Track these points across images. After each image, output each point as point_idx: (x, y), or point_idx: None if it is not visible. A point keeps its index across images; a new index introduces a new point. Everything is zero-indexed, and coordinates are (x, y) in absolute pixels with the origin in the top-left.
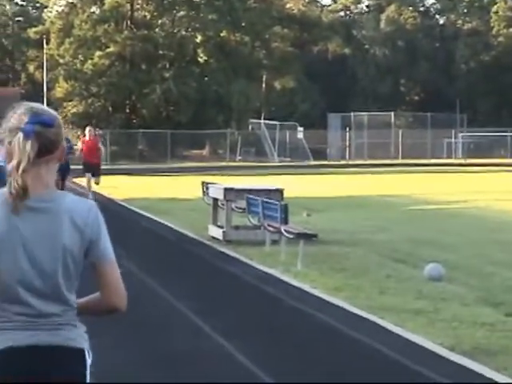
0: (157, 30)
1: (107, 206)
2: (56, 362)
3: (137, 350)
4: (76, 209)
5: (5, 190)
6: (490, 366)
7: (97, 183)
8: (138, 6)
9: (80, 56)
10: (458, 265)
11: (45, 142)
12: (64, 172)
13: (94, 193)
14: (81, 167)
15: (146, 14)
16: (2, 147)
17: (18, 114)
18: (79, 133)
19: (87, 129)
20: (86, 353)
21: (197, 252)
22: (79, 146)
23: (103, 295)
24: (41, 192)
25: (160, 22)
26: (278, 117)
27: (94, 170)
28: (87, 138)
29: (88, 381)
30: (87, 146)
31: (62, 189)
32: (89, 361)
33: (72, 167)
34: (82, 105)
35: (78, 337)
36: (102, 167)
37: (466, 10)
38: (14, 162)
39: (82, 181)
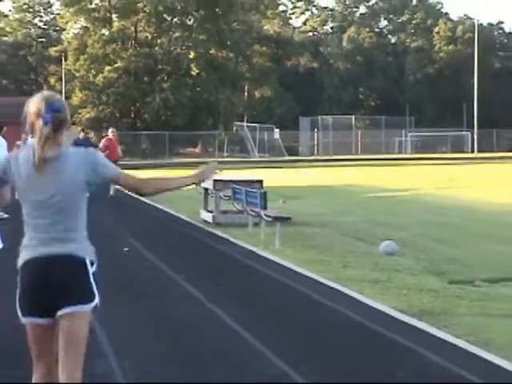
0: (156, 48)
1: (117, 194)
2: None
3: (140, 312)
4: (80, 155)
5: (33, 141)
6: (433, 325)
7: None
8: (141, 28)
9: (92, 70)
10: (407, 242)
11: (58, 122)
12: None
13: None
14: None
15: (148, 34)
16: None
17: (36, 102)
18: (92, 134)
19: (110, 130)
20: (88, 261)
21: (191, 232)
22: (102, 144)
23: (138, 187)
24: (55, 149)
25: (159, 41)
26: (258, 120)
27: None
28: (110, 136)
29: (93, 287)
30: (110, 144)
31: None
32: (91, 268)
33: None
34: (94, 111)
35: (83, 248)
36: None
37: (413, 31)
38: (37, 138)
39: None
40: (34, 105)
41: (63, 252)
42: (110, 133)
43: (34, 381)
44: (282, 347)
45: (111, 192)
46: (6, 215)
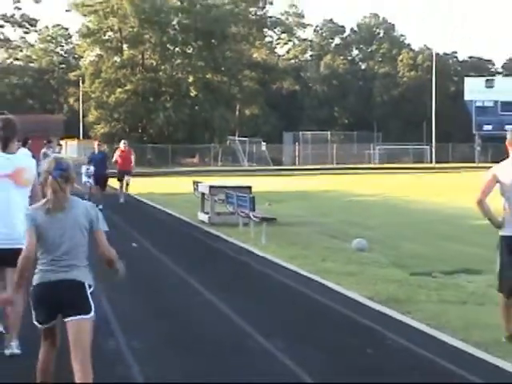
0: (160, 73)
1: (127, 200)
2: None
3: (145, 298)
4: (86, 205)
5: (37, 206)
6: (398, 310)
7: (127, 184)
8: (147, 56)
9: (106, 92)
10: (376, 240)
11: (63, 178)
12: (103, 178)
13: (124, 194)
14: (115, 172)
15: (153, 61)
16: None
17: (49, 162)
18: (105, 147)
19: (122, 142)
20: (86, 285)
21: (189, 231)
22: (115, 156)
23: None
24: (65, 200)
25: (163, 67)
26: (248, 134)
27: (127, 174)
28: (122, 148)
29: (90, 301)
30: (122, 156)
31: (103, 189)
32: (88, 289)
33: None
34: (107, 127)
35: (85, 274)
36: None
37: (380, 59)
38: (49, 191)
39: (115, 183)
40: (46, 164)
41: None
42: (122, 144)
43: (41, 353)
44: (268, 327)
45: (121, 200)
46: None
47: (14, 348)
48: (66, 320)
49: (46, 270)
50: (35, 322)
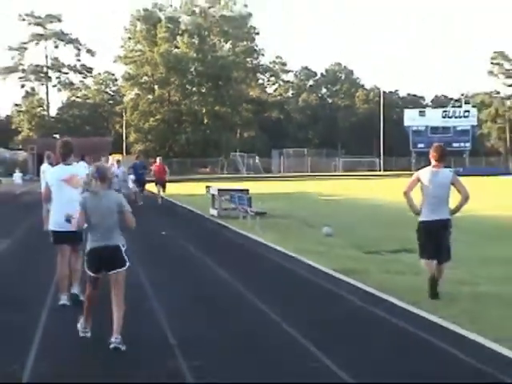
0: (182, 106)
1: (163, 203)
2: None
3: (170, 270)
4: (116, 195)
5: (85, 196)
6: (354, 278)
7: (164, 191)
8: (172, 94)
9: (142, 120)
10: (340, 227)
11: (99, 178)
12: (142, 183)
13: (161, 196)
14: (153, 180)
15: (176, 98)
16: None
17: (92, 168)
18: (142, 157)
19: (158, 158)
20: (122, 249)
21: (203, 222)
22: (152, 168)
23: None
24: (101, 191)
25: (183, 102)
26: (246, 151)
27: (162, 183)
28: (158, 163)
29: (125, 257)
30: (158, 169)
31: (143, 192)
32: (123, 249)
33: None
34: (143, 146)
35: (120, 241)
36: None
37: (342, 96)
38: (93, 186)
39: (153, 188)
40: (91, 170)
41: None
42: (158, 160)
43: (87, 293)
44: (257, 287)
45: (159, 201)
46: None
47: (75, 290)
48: (109, 273)
49: (94, 239)
50: (88, 271)
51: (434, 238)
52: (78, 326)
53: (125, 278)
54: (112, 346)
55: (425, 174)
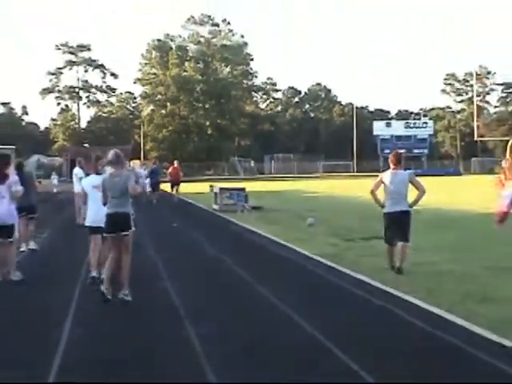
0: (189, 120)
1: (171, 197)
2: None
3: (180, 255)
4: (126, 173)
5: (105, 176)
6: (333, 261)
7: (177, 191)
8: (182, 110)
9: (156, 132)
10: (321, 219)
11: (116, 163)
12: (157, 184)
13: (175, 195)
14: (168, 181)
15: (185, 113)
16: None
17: (110, 154)
18: (158, 163)
19: (175, 162)
20: (130, 216)
21: (207, 215)
22: (170, 169)
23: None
24: (121, 171)
25: (191, 116)
26: (243, 156)
27: (177, 184)
28: (175, 165)
29: (132, 224)
30: (175, 170)
31: (158, 191)
32: (132, 217)
33: (163, 180)
34: (157, 153)
35: (129, 209)
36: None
37: (322, 110)
38: (108, 169)
39: (168, 189)
40: (110, 155)
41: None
42: (176, 163)
43: (109, 259)
44: (247, 264)
45: (175, 200)
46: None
47: (96, 273)
48: (121, 234)
49: (109, 207)
50: (106, 234)
51: (396, 225)
52: (102, 288)
53: (131, 239)
54: (120, 297)
55: (386, 175)
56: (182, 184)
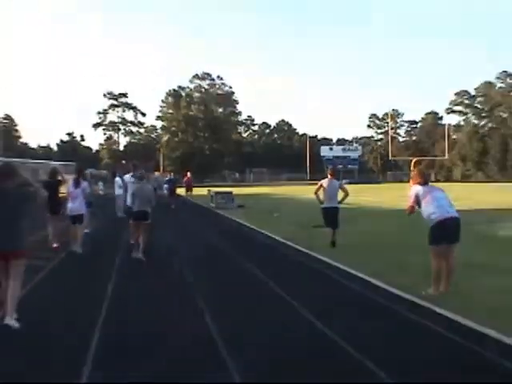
0: (194, 145)
1: (180, 197)
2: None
3: (187, 238)
4: (149, 187)
5: (134, 185)
6: (292, 242)
7: (191, 193)
8: (188, 138)
9: (171, 153)
10: (286, 213)
11: (141, 178)
12: (174, 190)
13: (188, 197)
14: (183, 186)
15: (191, 139)
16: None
17: (136, 175)
18: (173, 174)
19: (188, 173)
20: (149, 213)
21: (205, 211)
22: (185, 179)
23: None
24: (142, 183)
25: (195, 142)
26: (231, 170)
27: (190, 189)
28: (188, 176)
29: (149, 216)
30: (188, 179)
31: (174, 195)
32: (149, 215)
33: (179, 185)
34: (172, 167)
35: (148, 209)
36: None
37: (287, 139)
38: (135, 178)
39: (182, 192)
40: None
41: (144, 209)
42: (189, 174)
43: (132, 241)
44: (232, 244)
45: (189, 198)
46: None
47: (139, 252)
48: (142, 222)
49: (136, 207)
50: (131, 221)
51: (331, 217)
52: (133, 254)
53: (148, 226)
54: (137, 256)
55: (325, 182)
56: (192, 189)
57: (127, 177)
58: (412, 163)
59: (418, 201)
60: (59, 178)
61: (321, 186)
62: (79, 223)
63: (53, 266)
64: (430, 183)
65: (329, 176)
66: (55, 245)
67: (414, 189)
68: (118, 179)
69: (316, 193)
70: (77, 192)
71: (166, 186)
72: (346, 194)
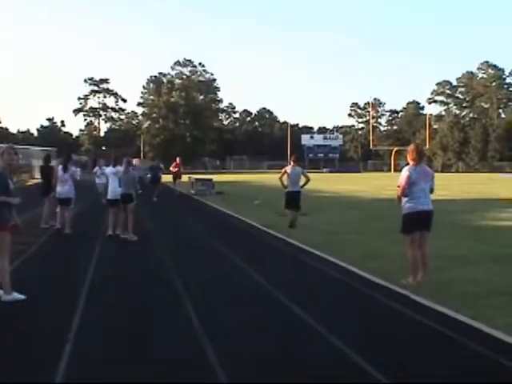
0: (175, 131)
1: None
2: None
3: (169, 227)
4: (132, 173)
5: (121, 172)
6: (270, 229)
7: (180, 179)
8: (170, 124)
9: (152, 139)
10: (266, 201)
11: (129, 163)
12: (157, 179)
13: (177, 189)
14: (171, 173)
15: (172, 126)
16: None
17: (124, 160)
18: (156, 161)
19: (178, 158)
20: (133, 195)
21: (186, 198)
22: (173, 165)
23: None
24: (128, 168)
25: (176, 128)
26: (212, 157)
27: (179, 177)
28: (177, 161)
29: (133, 199)
30: (176, 166)
31: (157, 186)
32: (134, 195)
33: (166, 175)
34: (152, 154)
35: (133, 192)
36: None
37: (267, 126)
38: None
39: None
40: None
41: (129, 192)
42: (178, 159)
43: (110, 232)
44: (208, 228)
45: (177, 191)
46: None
47: (120, 232)
48: (127, 204)
49: (122, 190)
50: (110, 210)
51: (292, 200)
52: (129, 237)
53: (133, 207)
54: (124, 237)
55: (289, 168)
56: (169, 176)
57: (108, 169)
58: (393, 152)
59: (409, 182)
60: (51, 163)
61: (285, 172)
62: (67, 206)
63: (37, 247)
64: (423, 164)
65: (292, 163)
66: (45, 225)
67: (407, 170)
68: (96, 169)
69: (280, 178)
70: (65, 177)
71: (148, 175)
72: (307, 180)
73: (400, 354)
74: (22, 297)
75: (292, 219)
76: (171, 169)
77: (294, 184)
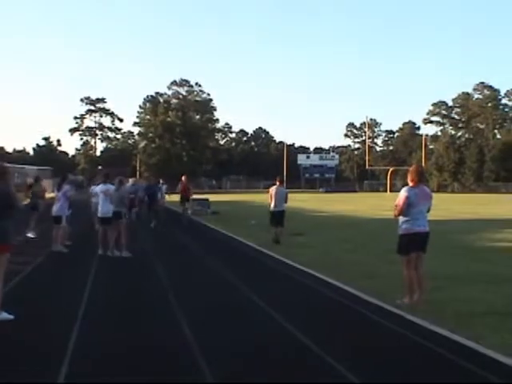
0: (171, 152)
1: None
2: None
3: (162, 238)
4: (124, 190)
5: (113, 190)
6: (265, 249)
7: (189, 206)
8: (166, 144)
9: (149, 159)
10: (259, 220)
11: (120, 183)
12: (154, 201)
13: (185, 215)
14: (178, 193)
15: (169, 147)
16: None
17: (116, 181)
18: (152, 180)
19: (183, 177)
20: (124, 212)
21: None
22: (179, 185)
23: None
24: (120, 187)
25: (172, 149)
26: (208, 177)
27: (187, 199)
28: (183, 181)
29: (123, 216)
30: (183, 186)
31: (153, 208)
32: (123, 213)
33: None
34: (149, 173)
35: (123, 210)
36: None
37: (263, 146)
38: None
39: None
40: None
41: (120, 209)
42: (183, 178)
43: (100, 252)
44: (206, 248)
45: (185, 222)
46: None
47: (110, 250)
48: (119, 221)
49: (114, 207)
50: (99, 229)
51: (277, 218)
52: (123, 254)
53: (125, 224)
54: (127, 255)
55: (273, 189)
56: (189, 198)
57: (98, 188)
58: (389, 172)
59: (407, 203)
60: (41, 182)
61: (271, 192)
62: (57, 224)
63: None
64: (422, 185)
65: (277, 183)
66: (31, 235)
67: (406, 191)
68: (92, 187)
69: (270, 200)
70: (59, 195)
71: (132, 196)
72: (286, 200)
73: (393, 374)
74: (11, 317)
75: (277, 234)
76: (180, 190)
77: (278, 203)
